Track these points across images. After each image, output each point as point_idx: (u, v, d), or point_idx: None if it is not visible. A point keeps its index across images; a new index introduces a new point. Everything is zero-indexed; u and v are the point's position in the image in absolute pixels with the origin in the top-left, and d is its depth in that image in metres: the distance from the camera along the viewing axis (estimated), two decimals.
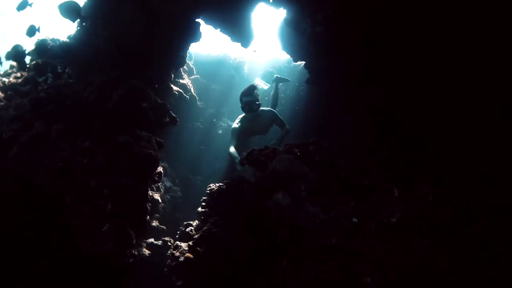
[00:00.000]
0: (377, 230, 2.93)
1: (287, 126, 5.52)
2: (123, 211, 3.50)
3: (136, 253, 3.86)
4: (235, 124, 5.48)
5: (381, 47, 4.02)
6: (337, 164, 3.26)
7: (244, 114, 5.45)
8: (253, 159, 3.23)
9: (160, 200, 5.66)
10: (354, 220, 2.92)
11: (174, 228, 5.63)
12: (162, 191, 5.94)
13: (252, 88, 5.28)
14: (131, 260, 3.74)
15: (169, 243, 5.31)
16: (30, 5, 5.13)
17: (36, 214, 3.79)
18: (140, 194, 3.67)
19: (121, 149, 3.68)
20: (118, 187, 3.51)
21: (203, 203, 4.65)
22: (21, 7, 5.13)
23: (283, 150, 3.13)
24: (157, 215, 5.58)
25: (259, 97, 5.40)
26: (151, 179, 4.52)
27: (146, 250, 5.13)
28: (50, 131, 3.99)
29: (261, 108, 5.42)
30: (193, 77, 8.17)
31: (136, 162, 3.71)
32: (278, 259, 3.10)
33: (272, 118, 5.61)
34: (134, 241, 3.83)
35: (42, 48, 5.25)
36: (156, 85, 5.29)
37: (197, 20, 5.43)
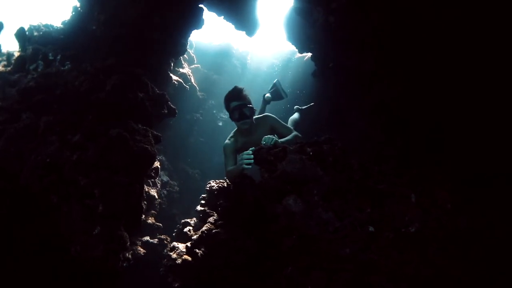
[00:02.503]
0: (394, 240, 2.73)
1: (295, 132, 4.17)
2: (115, 212, 3.21)
3: (130, 256, 3.59)
4: (227, 141, 4.20)
5: (397, 42, 3.75)
6: (351, 166, 2.98)
7: (236, 128, 4.22)
8: (260, 158, 2.93)
9: (156, 196, 5.41)
10: (371, 229, 2.68)
11: (171, 224, 5.48)
12: (159, 186, 5.68)
13: (238, 90, 4.00)
14: (124, 264, 3.47)
15: (165, 241, 5.14)
16: None
17: (24, 213, 3.53)
18: (135, 193, 3.38)
19: (114, 144, 3.37)
20: (110, 186, 3.21)
21: (202, 201, 4.48)
22: None
23: (295, 150, 2.83)
24: (153, 211, 5.34)
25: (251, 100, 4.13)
26: (147, 176, 4.24)
27: (141, 249, 4.94)
28: (38, 124, 3.70)
29: (255, 116, 4.14)
30: (193, 66, 7.90)
31: (130, 158, 3.41)
32: (283, 266, 2.91)
33: (271, 125, 4.19)
34: (128, 243, 3.57)
35: (33, 35, 4.93)
36: (155, 74, 4.98)
37: (200, 5, 5.10)
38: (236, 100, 3.94)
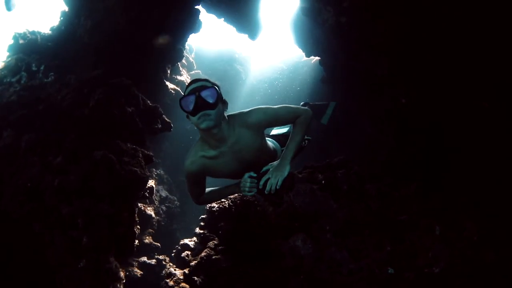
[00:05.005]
0: (415, 281, 2.37)
1: (301, 115, 2.46)
2: (101, 244, 2.85)
3: (121, 287, 3.25)
4: (188, 161, 2.43)
5: (412, 45, 3.39)
6: (369, 193, 2.58)
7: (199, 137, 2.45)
8: (264, 188, 2.51)
9: (153, 215, 5.06)
10: (390, 271, 2.30)
11: (171, 240, 5.18)
12: (157, 203, 5.32)
13: (196, 78, 2.42)
14: None
15: (164, 262, 4.82)
16: None
17: (8, 241, 3.23)
18: (123, 222, 3.02)
19: (98, 168, 3.00)
20: (95, 216, 2.85)
21: (202, 223, 4.16)
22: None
23: (304, 178, 2.41)
24: (150, 230, 4.99)
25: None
26: (140, 197, 3.88)
27: (138, 270, 4.64)
28: (19, 143, 3.38)
29: (229, 113, 2.41)
30: (193, 72, 7.53)
31: (117, 183, 3.03)
32: None
33: (261, 122, 2.39)
34: (119, 273, 3.23)
35: (18, 43, 4.57)
36: (149, 83, 4.62)
37: (196, 7, 4.74)
38: (194, 83, 2.28)
